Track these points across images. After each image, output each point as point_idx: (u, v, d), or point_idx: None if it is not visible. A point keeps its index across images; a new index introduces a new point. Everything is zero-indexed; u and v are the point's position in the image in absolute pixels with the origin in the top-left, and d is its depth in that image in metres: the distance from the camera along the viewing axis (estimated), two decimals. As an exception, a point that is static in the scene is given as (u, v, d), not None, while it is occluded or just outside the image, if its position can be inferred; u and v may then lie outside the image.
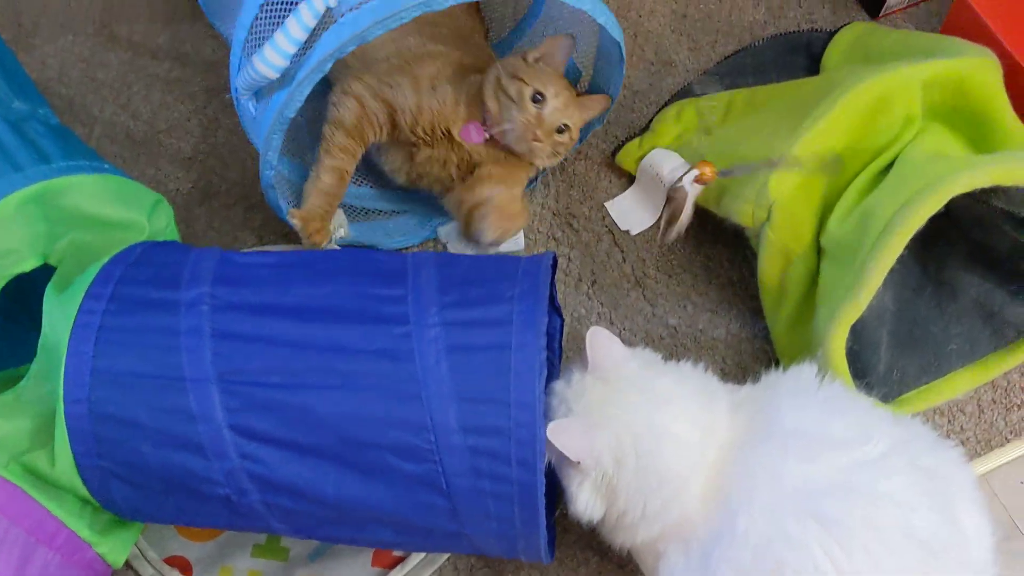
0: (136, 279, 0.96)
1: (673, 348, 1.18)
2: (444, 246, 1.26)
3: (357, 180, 1.28)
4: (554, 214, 1.28)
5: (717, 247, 1.24)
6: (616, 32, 1.06)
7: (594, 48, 1.19)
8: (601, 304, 1.22)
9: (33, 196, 1.00)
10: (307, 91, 0.96)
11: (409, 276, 0.95)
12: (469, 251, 1.25)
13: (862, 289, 0.96)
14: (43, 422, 0.95)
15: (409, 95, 1.11)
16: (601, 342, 0.92)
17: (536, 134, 1.09)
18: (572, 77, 1.22)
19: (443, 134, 1.12)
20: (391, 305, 0.92)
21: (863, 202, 1.02)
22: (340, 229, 1.20)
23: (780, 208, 1.06)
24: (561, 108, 1.10)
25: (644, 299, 1.22)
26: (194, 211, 1.30)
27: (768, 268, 1.10)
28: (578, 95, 1.15)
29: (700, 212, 1.23)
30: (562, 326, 1.14)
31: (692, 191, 1.12)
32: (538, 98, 1.09)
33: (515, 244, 1.25)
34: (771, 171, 1.05)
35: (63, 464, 0.92)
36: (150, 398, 0.91)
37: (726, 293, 1.21)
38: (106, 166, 1.09)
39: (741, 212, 1.09)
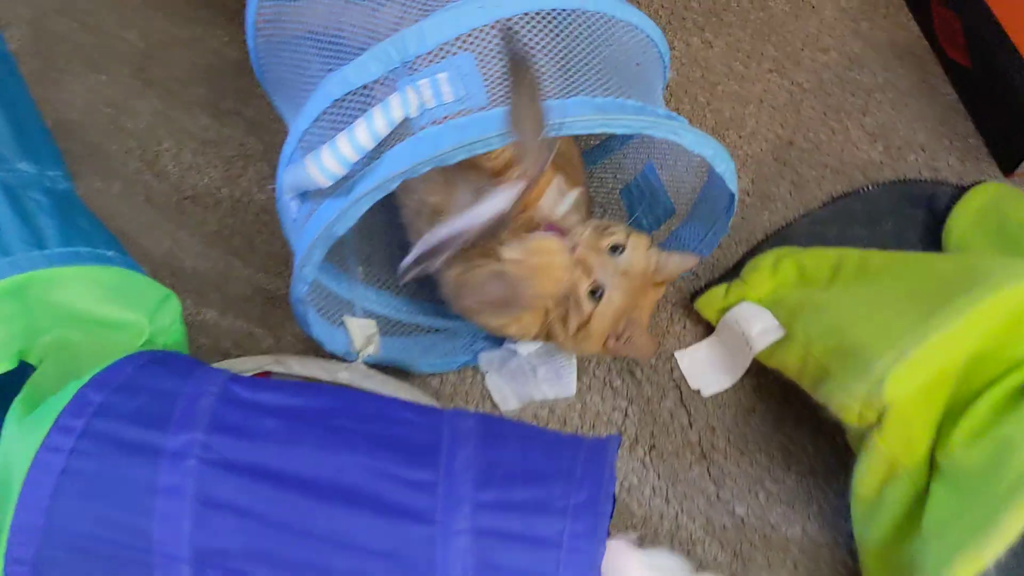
0: (117, 411, 0.79)
1: (738, 544, 1.00)
2: (483, 376, 1.10)
3: (395, 288, 1.12)
4: (614, 356, 1.10)
5: (801, 428, 1.06)
6: (732, 183, 0.90)
7: (695, 185, 1.03)
8: (658, 475, 1.04)
9: (15, 287, 0.85)
10: (364, 209, 0.80)
11: (443, 455, 0.78)
12: (507, 388, 1.08)
13: (993, 539, 0.78)
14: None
15: None
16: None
17: (576, 246, 0.91)
18: (664, 216, 1.06)
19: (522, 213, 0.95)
20: (415, 493, 0.75)
21: (1001, 428, 0.84)
22: (370, 346, 1.04)
23: (895, 413, 0.88)
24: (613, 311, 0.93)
25: (709, 477, 1.04)
26: (208, 296, 1.14)
27: (867, 477, 0.92)
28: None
29: (786, 384, 1.06)
30: (613, 508, 0.96)
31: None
32: (618, 250, 0.93)
33: (565, 390, 1.08)
34: (887, 369, 0.87)
35: (-7, 633, 0.76)
36: (107, 571, 0.74)
37: (806, 484, 1.03)
38: (110, 254, 0.94)
39: (845, 408, 0.91)
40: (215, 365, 1.03)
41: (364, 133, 0.79)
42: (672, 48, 1.29)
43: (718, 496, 1.03)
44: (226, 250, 1.17)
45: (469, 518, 0.74)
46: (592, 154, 1.19)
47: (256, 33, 1.02)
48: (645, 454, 1.05)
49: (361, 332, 1.04)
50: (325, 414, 0.82)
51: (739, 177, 1.20)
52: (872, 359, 0.90)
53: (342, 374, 1.00)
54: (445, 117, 0.79)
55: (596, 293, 0.92)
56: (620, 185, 1.14)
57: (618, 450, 0.86)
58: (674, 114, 0.84)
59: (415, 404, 0.88)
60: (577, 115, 0.77)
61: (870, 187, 1.18)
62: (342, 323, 1.02)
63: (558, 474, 0.77)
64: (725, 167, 0.88)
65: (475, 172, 0.93)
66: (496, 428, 0.83)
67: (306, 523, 0.74)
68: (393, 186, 0.78)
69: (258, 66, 1.09)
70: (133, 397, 0.81)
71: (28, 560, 0.73)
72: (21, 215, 0.91)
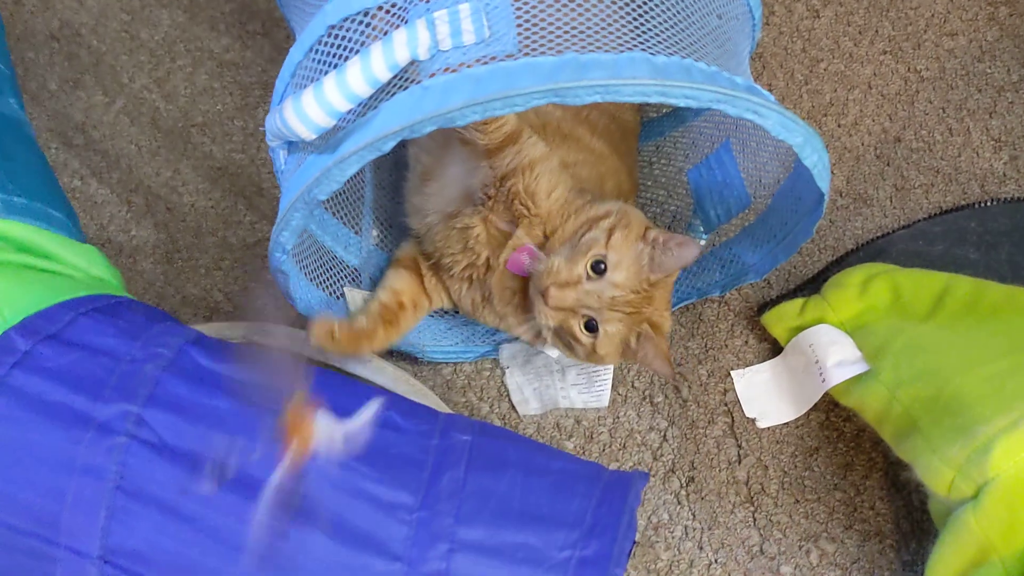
0: (44, 366, 0.66)
1: (778, 611, 0.84)
2: (503, 371, 0.94)
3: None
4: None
5: (870, 480, 0.88)
6: (823, 179, 0.72)
7: (779, 176, 0.85)
8: (693, 515, 0.88)
9: None
10: (351, 172, 0.65)
11: (427, 475, 0.63)
12: (529, 388, 0.92)
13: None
14: None
15: (540, 148, 0.78)
16: None
17: (548, 288, 0.75)
18: (736, 207, 0.89)
19: (510, 207, 0.78)
20: (385, 517, 0.61)
21: None
22: (372, 325, 0.88)
23: (998, 491, 0.71)
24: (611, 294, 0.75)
25: (754, 524, 0.87)
26: (204, 239, 1.00)
27: (951, 559, 0.75)
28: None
29: (860, 426, 0.89)
30: (631, 550, 0.80)
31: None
32: (599, 267, 0.75)
33: (597, 400, 0.92)
34: (996, 437, 0.70)
35: None
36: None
37: (869, 549, 0.86)
38: (15, 201, 0.78)
39: (935, 473, 0.74)
40: (197, 327, 0.90)
41: (358, 77, 0.63)
42: (772, 12, 1.11)
43: (762, 549, 0.86)
44: (231, 189, 1.03)
45: (444, 559, 0.60)
46: (660, 124, 1.01)
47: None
48: (681, 487, 0.89)
49: (365, 306, 0.89)
50: None
51: (833, 173, 1.02)
52: (977, 421, 0.73)
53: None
54: (461, 64, 0.62)
55: (590, 326, 0.76)
56: (690, 164, 0.97)
57: (644, 488, 0.70)
58: (758, 87, 0.67)
59: (407, 403, 0.73)
60: (628, 77, 0.59)
61: (988, 202, 0.99)
62: (342, 295, 0.87)
63: (564, 517, 0.62)
64: (816, 159, 0.70)
65: (468, 148, 0.76)
66: (497, 448, 0.68)
67: (244, 536, 0.60)
68: (387, 147, 0.62)
69: None
70: (66, 351, 0.67)
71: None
72: None
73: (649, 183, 1.02)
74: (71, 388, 0.65)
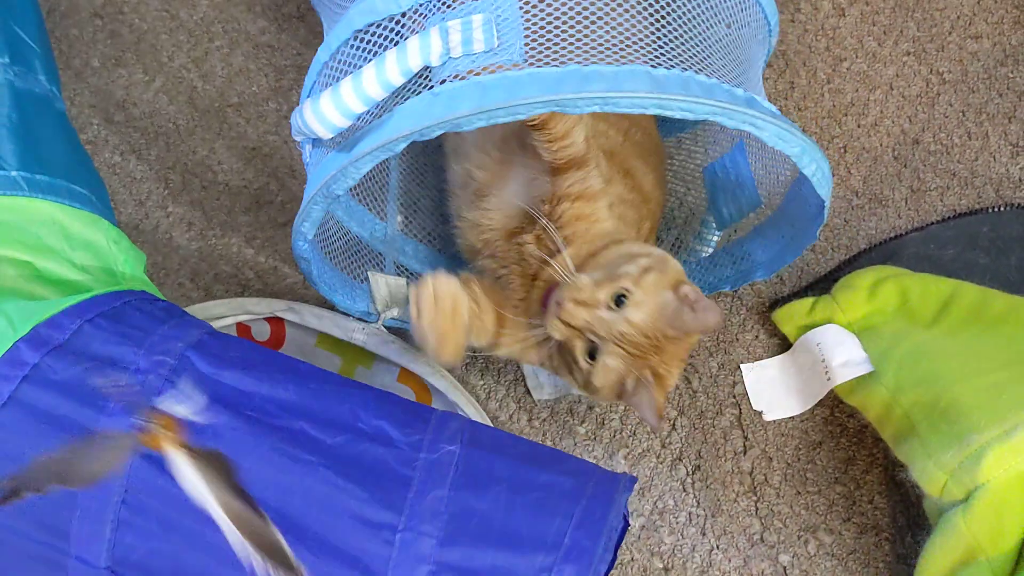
0: (54, 378, 0.68)
1: (774, 597, 0.88)
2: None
3: (432, 239, 1.00)
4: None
5: (870, 475, 0.92)
6: (824, 188, 0.75)
7: (784, 179, 0.87)
8: (697, 502, 0.92)
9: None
10: (365, 169, 0.69)
11: (412, 495, 0.67)
12: (544, 374, 0.96)
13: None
14: None
15: (601, 183, 0.79)
16: None
17: (565, 301, 0.75)
18: (748, 207, 0.91)
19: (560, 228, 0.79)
20: (369, 539, 0.66)
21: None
22: (395, 308, 0.92)
23: (988, 497, 0.74)
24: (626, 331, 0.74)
25: (756, 513, 0.91)
26: (237, 219, 1.04)
27: (940, 557, 0.78)
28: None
29: (863, 424, 0.92)
30: (624, 530, 0.83)
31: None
32: (621, 300, 0.74)
33: (610, 388, 0.96)
34: (989, 445, 0.73)
35: None
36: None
37: (866, 542, 0.90)
38: (38, 178, 0.81)
39: (928, 476, 0.78)
40: (225, 301, 0.94)
41: (372, 81, 0.67)
42: (798, 9, 1.12)
43: (762, 538, 0.90)
44: (264, 170, 1.06)
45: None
46: (682, 120, 1.03)
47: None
48: (688, 475, 0.93)
49: (387, 291, 0.92)
50: (288, 412, 0.70)
51: (850, 173, 1.04)
52: (971, 429, 0.76)
53: (357, 335, 0.90)
54: (469, 72, 0.65)
55: (593, 354, 0.76)
56: (710, 159, 1.00)
57: (630, 494, 0.72)
58: (757, 99, 0.68)
59: (398, 406, 0.74)
60: (628, 90, 0.62)
61: (1001, 208, 1.00)
62: (366, 279, 0.91)
63: (543, 538, 0.65)
64: (815, 168, 0.72)
65: (535, 159, 0.79)
66: (484, 463, 0.70)
67: (234, 555, 0.64)
68: (399, 148, 0.66)
69: None
70: (73, 362, 0.69)
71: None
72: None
73: (669, 175, 1.04)
74: (78, 401, 0.67)
